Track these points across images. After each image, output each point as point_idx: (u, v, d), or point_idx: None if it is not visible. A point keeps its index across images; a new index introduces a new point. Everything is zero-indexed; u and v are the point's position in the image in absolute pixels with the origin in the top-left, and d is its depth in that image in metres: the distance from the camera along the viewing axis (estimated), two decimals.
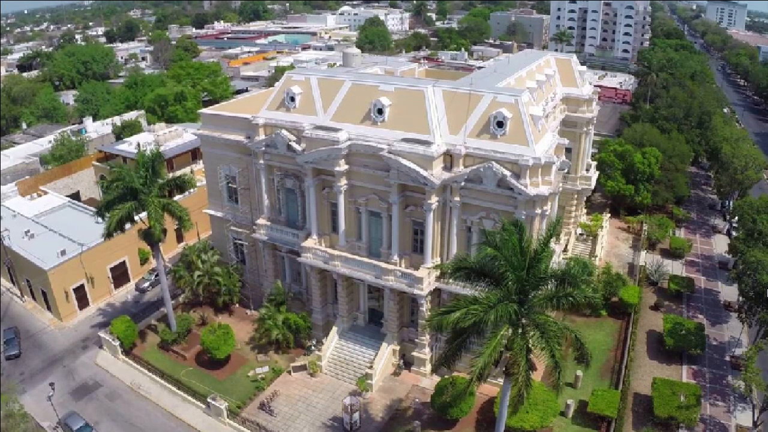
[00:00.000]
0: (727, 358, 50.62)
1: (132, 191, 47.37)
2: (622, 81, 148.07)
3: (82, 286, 57.99)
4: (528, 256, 30.70)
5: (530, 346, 30.47)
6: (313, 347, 50.78)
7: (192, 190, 65.71)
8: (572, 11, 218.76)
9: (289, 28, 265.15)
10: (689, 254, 67.59)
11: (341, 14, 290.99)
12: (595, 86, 70.85)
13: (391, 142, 42.43)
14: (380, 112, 43.80)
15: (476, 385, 31.48)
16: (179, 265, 55.78)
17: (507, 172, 39.79)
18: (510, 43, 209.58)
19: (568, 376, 42.99)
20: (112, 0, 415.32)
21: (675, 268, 64.12)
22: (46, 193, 72.95)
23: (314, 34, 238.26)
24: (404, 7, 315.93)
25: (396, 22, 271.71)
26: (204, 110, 57.08)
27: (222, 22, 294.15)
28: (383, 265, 45.45)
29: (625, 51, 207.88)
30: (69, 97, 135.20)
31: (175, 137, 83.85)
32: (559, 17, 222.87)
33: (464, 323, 29.94)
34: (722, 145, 77.09)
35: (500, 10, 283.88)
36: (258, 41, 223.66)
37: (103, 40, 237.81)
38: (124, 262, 62.21)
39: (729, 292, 58.98)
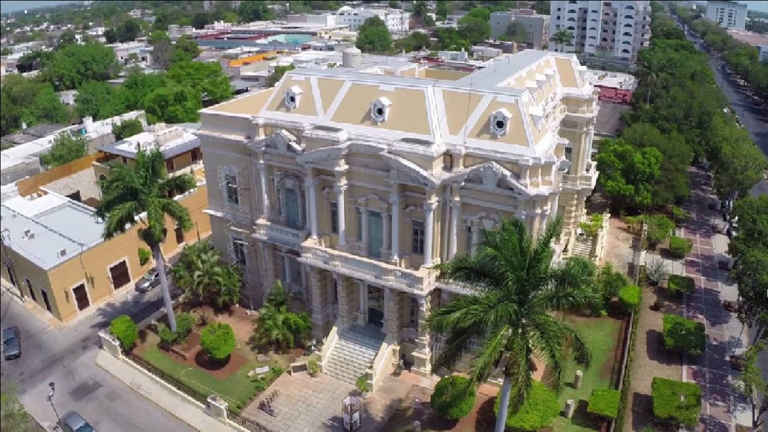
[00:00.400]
0: (727, 358, 50.62)
1: (132, 191, 47.37)
2: (622, 81, 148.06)
3: (82, 286, 57.99)
4: (528, 256, 30.71)
5: (530, 346, 30.48)
6: (313, 347, 50.77)
7: (192, 190, 65.70)
8: (572, 11, 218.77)
9: (289, 28, 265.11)
10: (689, 254, 67.58)
11: (341, 14, 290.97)
12: (595, 86, 70.83)
13: (391, 142, 42.42)
14: (380, 112, 43.79)
15: (476, 385, 31.49)
16: (179, 265, 55.79)
17: (507, 172, 39.79)
18: (510, 43, 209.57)
19: (568, 376, 42.98)
20: (112, 0, 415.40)
21: (675, 268, 64.11)
22: (46, 193, 72.93)
23: (314, 34, 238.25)
24: (404, 7, 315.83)
25: (396, 22, 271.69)
26: (204, 110, 57.08)
27: (222, 22, 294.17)
28: (383, 265, 45.44)
29: (625, 51, 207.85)
30: (69, 97, 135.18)
31: (175, 137, 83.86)
32: (559, 17, 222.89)
33: (464, 323, 29.95)
34: (722, 145, 77.09)
35: (500, 10, 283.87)
36: (258, 41, 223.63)
37: (103, 40, 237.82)
38: (124, 262, 62.22)
39: (729, 292, 58.97)
